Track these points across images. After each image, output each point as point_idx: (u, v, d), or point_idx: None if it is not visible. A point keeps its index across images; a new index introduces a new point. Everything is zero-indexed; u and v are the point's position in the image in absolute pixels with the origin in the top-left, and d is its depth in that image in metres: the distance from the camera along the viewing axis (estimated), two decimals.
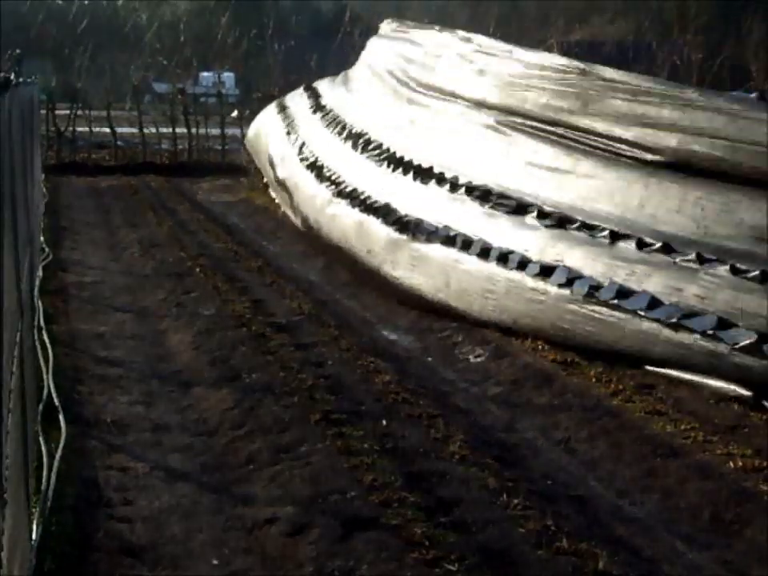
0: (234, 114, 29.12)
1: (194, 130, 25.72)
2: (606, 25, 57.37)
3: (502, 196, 9.29)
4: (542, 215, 8.71)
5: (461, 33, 11.48)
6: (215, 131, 25.81)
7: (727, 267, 7.12)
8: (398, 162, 11.33)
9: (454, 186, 10.00)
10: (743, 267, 7.06)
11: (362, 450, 5.96)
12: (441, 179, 10.26)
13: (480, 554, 4.72)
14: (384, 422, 6.47)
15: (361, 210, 11.25)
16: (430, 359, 8.37)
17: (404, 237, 10.11)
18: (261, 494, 5.53)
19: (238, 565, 4.79)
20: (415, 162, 10.93)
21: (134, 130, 26.20)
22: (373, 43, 15.81)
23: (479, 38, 11.04)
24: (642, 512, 5.40)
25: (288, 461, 5.89)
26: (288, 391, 7.10)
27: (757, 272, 6.96)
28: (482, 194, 9.51)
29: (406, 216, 10.26)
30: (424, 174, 10.62)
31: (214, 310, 9.72)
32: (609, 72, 8.81)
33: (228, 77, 34.02)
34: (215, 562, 4.83)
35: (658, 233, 7.75)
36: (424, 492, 5.38)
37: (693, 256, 7.39)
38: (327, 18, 57.54)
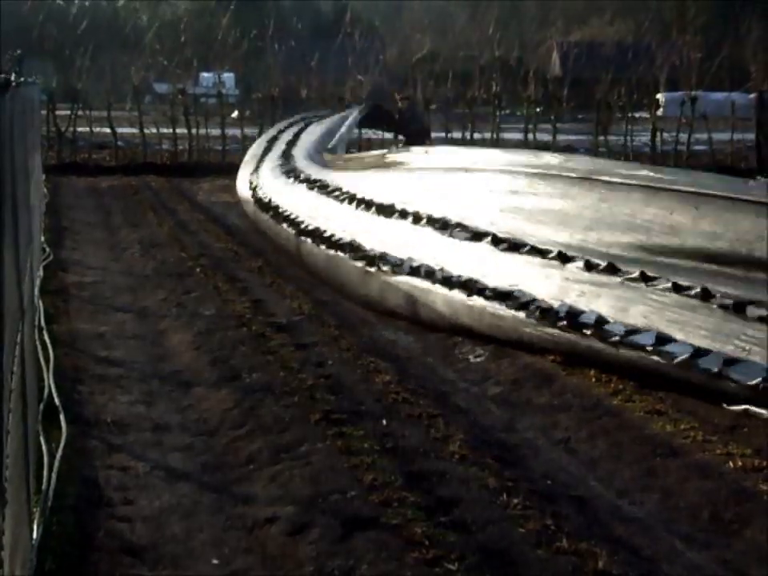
0: (234, 114, 29.16)
1: (194, 131, 25.76)
2: (606, 25, 57.48)
3: (459, 225, 9.51)
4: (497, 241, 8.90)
5: None
6: (215, 131, 25.85)
7: (669, 284, 7.28)
8: (359, 200, 11.46)
9: (417, 218, 10.15)
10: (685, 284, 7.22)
11: (362, 449, 5.97)
12: (403, 213, 10.42)
13: (480, 554, 4.73)
14: (384, 422, 6.48)
15: (327, 247, 11.09)
16: (430, 359, 8.38)
17: (372, 270, 10.07)
18: (261, 493, 5.54)
19: (238, 564, 4.80)
20: (377, 201, 11.09)
21: (135, 131, 26.25)
22: None
23: None
24: (642, 512, 5.41)
25: (288, 461, 5.90)
26: (288, 391, 7.11)
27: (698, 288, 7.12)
28: (442, 225, 9.71)
29: (372, 250, 10.24)
30: (386, 210, 10.76)
31: (215, 310, 9.73)
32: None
33: (228, 77, 34.07)
34: (215, 561, 4.84)
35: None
36: (424, 492, 5.38)
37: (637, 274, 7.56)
38: (327, 18, 57.65)
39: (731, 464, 5.84)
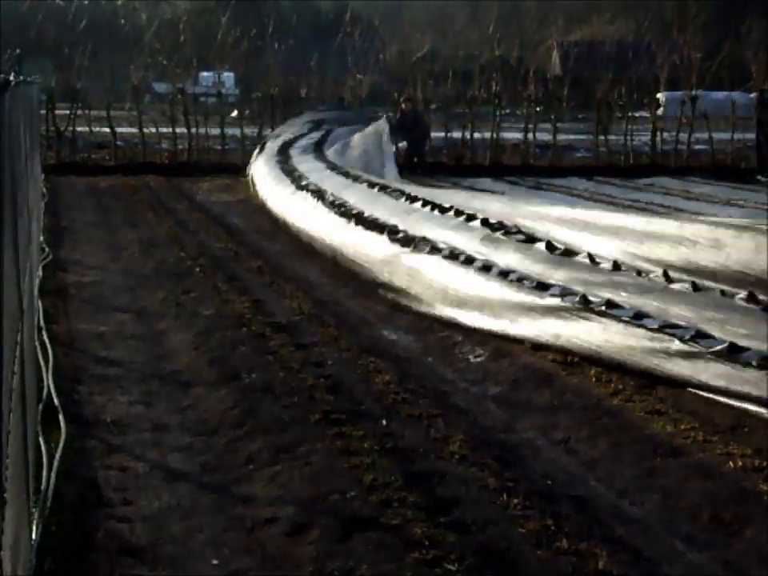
0: (234, 113, 29.13)
1: (193, 130, 25.72)
2: (607, 24, 57.45)
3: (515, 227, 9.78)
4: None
5: None
6: (215, 131, 25.81)
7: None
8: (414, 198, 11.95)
9: (471, 216, 10.37)
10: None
11: (362, 449, 5.96)
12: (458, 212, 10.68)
13: (480, 553, 4.72)
14: (384, 422, 6.48)
15: (365, 228, 11.41)
16: (430, 359, 8.37)
17: (406, 249, 10.23)
18: (261, 494, 5.53)
19: (238, 565, 4.79)
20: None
21: (134, 130, 26.21)
22: None
23: None
24: (642, 512, 5.40)
25: (288, 461, 5.90)
26: (288, 391, 7.11)
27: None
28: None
29: (413, 234, 10.49)
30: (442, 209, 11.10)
31: (214, 310, 9.72)
32: None
33: (228, 77, 34.03)
34: (215, 561, 4.83)
35: None
36: (424, 492, 5.38)
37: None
38: (327, 18, 57.61)
39: (731, 464, 5.84)
